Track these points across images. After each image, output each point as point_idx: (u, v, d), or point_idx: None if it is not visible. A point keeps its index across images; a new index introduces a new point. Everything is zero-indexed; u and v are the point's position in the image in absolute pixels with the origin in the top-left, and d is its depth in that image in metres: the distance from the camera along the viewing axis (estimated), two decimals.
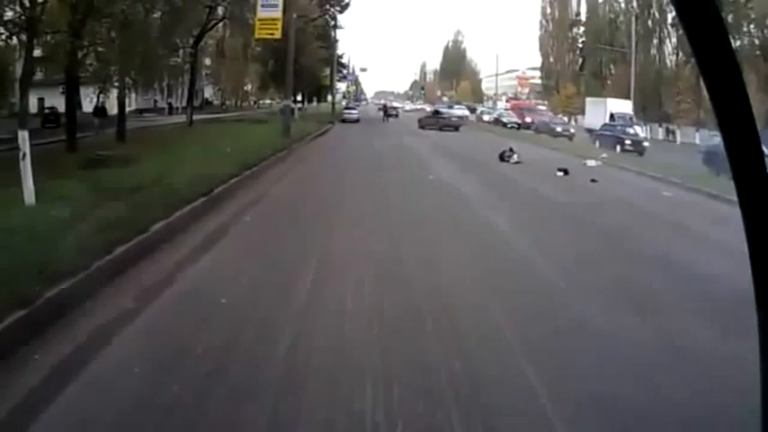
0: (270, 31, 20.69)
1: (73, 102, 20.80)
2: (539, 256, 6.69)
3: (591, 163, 17.52)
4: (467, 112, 60.08)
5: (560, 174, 14.61)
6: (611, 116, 33.54)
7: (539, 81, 77.60)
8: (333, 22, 46.42)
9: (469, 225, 8.44)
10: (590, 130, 31.21)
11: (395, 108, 54.58)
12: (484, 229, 8.20)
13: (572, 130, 33.60)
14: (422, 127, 35.78)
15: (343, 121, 39.50)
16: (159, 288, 5.02)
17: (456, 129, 35.53)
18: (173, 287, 5.09)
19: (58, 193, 8.99)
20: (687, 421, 3.13)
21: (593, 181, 13.77)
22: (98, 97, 34.02)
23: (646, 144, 25.08)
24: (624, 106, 37.62)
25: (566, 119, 39.63)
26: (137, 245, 6.18)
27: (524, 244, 7.26)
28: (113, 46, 19.40)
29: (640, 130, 28.58)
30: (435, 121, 36.83)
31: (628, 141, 24.50)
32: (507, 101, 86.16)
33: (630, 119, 33.18)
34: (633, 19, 46.84)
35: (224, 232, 7.15)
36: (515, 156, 16.98)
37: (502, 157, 17.07)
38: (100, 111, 25.20)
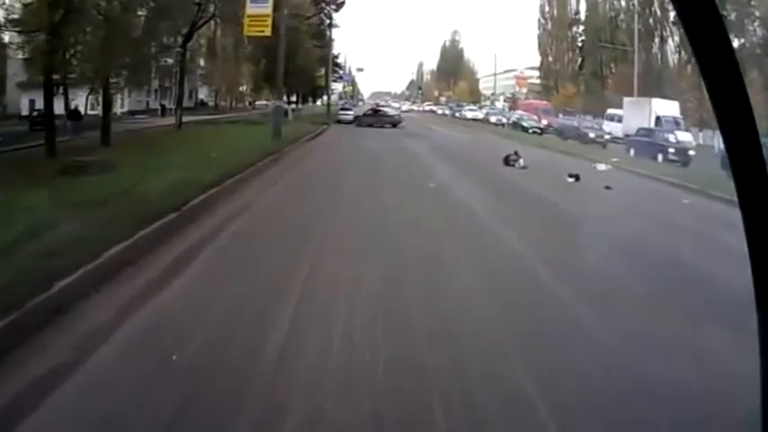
0: (259, 29, 19.69)
1: (52, 104, 19.80)
2: (557, 280, 5.72)
3: (601, 167, 16.49)
4: (479, 114, 58.47)
5: (571, 180, 13.56)
6: (657, 120, 28.89)
7: (537, 81, 76.72)
8: (328, 21, 45.36)
9: (476, 242, 7.39)
10: (628, 136, 26.71)
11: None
12: (492, 246, 7.17)
13: (606, 136, 28.89)
14: (359, 125, 35.61)
15: (339, 121, 38.47)
16: (98, 340, 3.98)
17: (394, 126, 35.67)
18: (114, 339, 4.04)
19: (21, 206, 8.13)
20: None
21: (607, 188, 12.71)
22: (86, 99, 33.11)
23: (691, 153, 21.08)
24: (671, 108, 32.09)
25: (604, 123, 34.01)
26: (83, 276, 5.14)
27: (540, 266, 6.24)
28: (93, 45, 18.39)
29: (689, 137, 24.34)
30: (374, 120, 36.94)
31: (671, 150, 20.69)
32: (505, 101, 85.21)
33: (677, 123, 28.67)
34: (635, 17, 45.78)
35: (191, 259, 6.06)
36: (521, 160, 15.91)
37: (507, 161, 16.02)
38: (73, 113, 24.13)
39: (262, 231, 7.80)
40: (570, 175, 13.69)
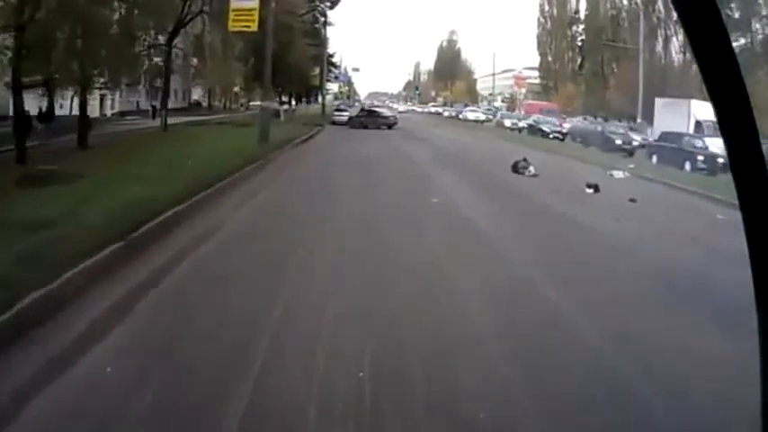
0: (245, 23, 18.20)
1: (22, 106, 18.35)
2: (598, 335, 4.34)
3: (618, 174, 15.07)
4: (482, 116, 55.97)
5: (590, 191, 12.12)
6: (698, 124, 25.27)
7: (535, 81, 75.46)
8: (323, 19, 43.83)
9: (497, 286, 5.90)
10: (657, 141, 23.34)
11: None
12: (519, 293, 5.68)
13: (635, 143, 25.17)
14: (352, 127, 34.46)
15: (333, 123, 36.98)
16: None
17: (389, 127, 34.69)
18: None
19: None
20: None
21: (631, 201, 11.28)
22: (71, 100, 31.64)
23: (721, 161, 17.53)
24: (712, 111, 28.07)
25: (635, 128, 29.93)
26: None
27: (574, 312, 4.82)
28: (67, 44, 16.91)
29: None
30: (369, 121, 35.68)
31: (700, 158, 18.17)
32: (503, 101, 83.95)
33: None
34: (641, 14, 44.47)
35: (125, 313, 4.57)
36: (531, 167, 14.44)
37: (515, 169, 14.55)
38: (45, 116, 22.68)
39: (233, 258, 6.36)
40: (589, 186, 12.23)
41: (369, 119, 36.36)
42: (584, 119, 42.71)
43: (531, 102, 56.96)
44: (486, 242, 7.62)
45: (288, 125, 29.90)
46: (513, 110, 72.66)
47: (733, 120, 0.96)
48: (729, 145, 0.97)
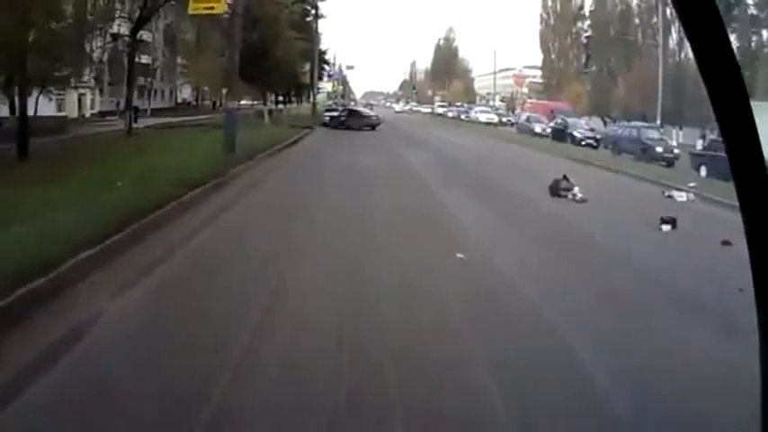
0: (209, 4, 14.91)
1: None
2: None
3: (680, 197, 11.83)
4: (495, 117, 52.13)
5: (666, 228, 8.85)
6: None
7: (535, 79, 72.77)
8: (313, 11, 40.33)
9: None
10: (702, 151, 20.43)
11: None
12: None
13: (676, 151, 22.04)
14: (334, 128, 32.49)
15: (324, 124, 33.83)
16: None
17: (373, 128, 33.31)
18: None
19: None
20: None
21: (725, 244, 7.98)
22: (36, 100, 28.42)
23: None
24: None
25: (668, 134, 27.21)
26: None
27: None
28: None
29: None
30: (353, 122, 33.70)
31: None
32: (502, 100, 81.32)
33: None
34: (658, 7, 41.36)
35: None
36: (576, 189, 11.09)
37: (555, 191, 11.17)
38: None
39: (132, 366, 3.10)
40: (664, 221, 8.94)
41: (351, 119, 34.28)
42: (604, 120, 39.35)
43: (538, 101, 53.55)
44: (533, 328, 4.33)
45: (272, 128, 26.65)
46: (513, 110, 69.68)
47: (733, 120, 0.94)
48: (729, 145, 0.96)
